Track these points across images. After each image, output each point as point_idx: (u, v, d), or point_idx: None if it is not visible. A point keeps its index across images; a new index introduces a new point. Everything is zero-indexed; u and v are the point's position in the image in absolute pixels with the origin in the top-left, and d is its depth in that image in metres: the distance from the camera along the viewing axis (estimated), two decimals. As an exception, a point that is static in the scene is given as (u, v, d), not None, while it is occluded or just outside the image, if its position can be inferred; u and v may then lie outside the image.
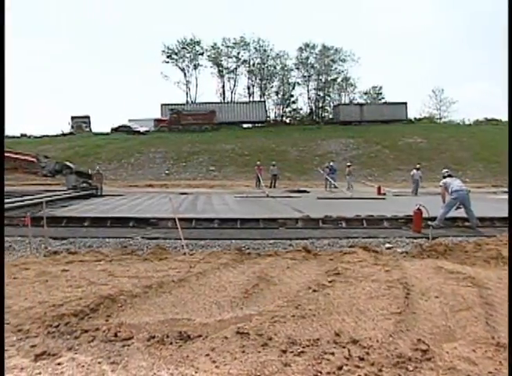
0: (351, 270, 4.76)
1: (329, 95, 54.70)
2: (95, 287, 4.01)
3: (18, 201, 10.77)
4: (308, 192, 18.95)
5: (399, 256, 5.75)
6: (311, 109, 54.51)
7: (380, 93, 57.26)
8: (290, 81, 53.00)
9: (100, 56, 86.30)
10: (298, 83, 53.25)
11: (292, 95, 53.55)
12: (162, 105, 43.83)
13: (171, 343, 2.81)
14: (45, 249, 6.12)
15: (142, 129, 39.43)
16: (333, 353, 2.62)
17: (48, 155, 17.81)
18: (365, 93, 57.06)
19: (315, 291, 3.96)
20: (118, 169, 28.10)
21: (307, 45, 51.96)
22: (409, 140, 33.52)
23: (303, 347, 2.72)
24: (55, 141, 35.92)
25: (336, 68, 52.96)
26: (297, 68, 52.61)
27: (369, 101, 53.50)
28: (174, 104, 43.86)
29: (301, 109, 55.01)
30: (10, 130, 42.74)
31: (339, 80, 54.31)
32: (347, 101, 53.32)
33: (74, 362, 2.55)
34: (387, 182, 24.49)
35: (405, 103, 43.82)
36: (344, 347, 2.70)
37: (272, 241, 6.79)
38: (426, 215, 7.88)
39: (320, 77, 52.76)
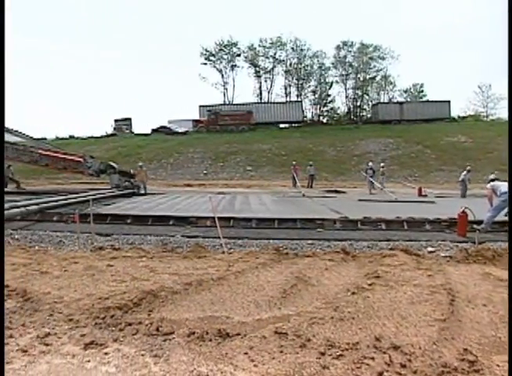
0: (391, 274, 4.63)
1: (367, 94, 53.45)
2: (137, 283, 4.16)
3: (67, 199, 11.38)
4: (345, 193, 18.60)
5: (443, 260, 5.51)
6: (348, 108, 53.57)
7: (422, 91, 55.28)
8: (327, 80, 52.39)
9: (141, 61, 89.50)
10: (337, 81, 52.55)
11: (329, 95, 52.91)
12: (200, 106, 44.70)
13: (210, 340, 2.86)
14: (91, 244, 6.44)
15: (180, 130, 40.39)
16: (373, 358, 2.56)
17: (93, 155, 18.72)
18: (406, 91, 55.31)
19: (354, 293, 3.90)
20: (158, 169, 28.98)
21: (344, 43, 51.07)
22: (453, 139, 32.00)
23: (342, 350, 2.68)
24: (99, 142, 37.63)
25: (374, 66, 51.71)
26: (335, 67, 51.87)
27: (409, 99, 51.71)
28: (212, 105, 44.59)
29: (338, 108, 54.30)
30: (60, 132, 45.46)
31: (378, 78, 53.01)
32: (386, 100, 51.94)
33: (120, 353, 2.68)
34: (428, 183, 23.55)
35: (449, 101, 41.91)
36: (384, 352, 2.64)
37: (309, 242, 6.74)
38: (472, 218, 7.51)
39: (358, 76, 51.70)
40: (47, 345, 2.77)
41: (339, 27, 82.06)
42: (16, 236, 7.16)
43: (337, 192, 18.92)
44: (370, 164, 20.76)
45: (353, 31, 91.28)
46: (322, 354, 2.63)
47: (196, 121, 42.59)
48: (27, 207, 8.81)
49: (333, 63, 51.73)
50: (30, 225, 8.45)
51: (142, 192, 16.91)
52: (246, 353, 2.66)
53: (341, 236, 7.36)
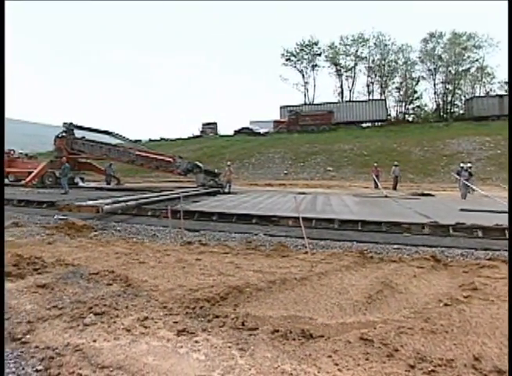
0: (491, 287, 4.18)
1: (459, 88, 48.74)
2: (224, 278, 4.36)
3: (159, 196, 12.36)
4: (433, 195, 17.26)
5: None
6: (437, 104, 49.56)
7: (528, 81, 48.65)
8: (413, 75, 49.19)
9: (226, 65, 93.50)
10: (423, 77, 49.01)
11: (416, 91, 49.62)
12: (281, 107, 45.21)
13: (293, 339, 2.88)
14: (181, 239, 6.92)
15: (262, 131, 41.32)
16: (471, 380, 2.35)
17: (181, 155, 20.06)
18: (507, 83, 49.20)
19: (447, 305, 3.61)
20: (240, 169, 29.96)
21: (432, 35, 47.35)
22: None
23: (434, 366, 2.49)
24: (186, 143, 40.19)
25: (468, 57, 46.78)
26: (422, 61, 48.38)
27: (512, 91, 45.92)
28: (293, 106, 44.79)
29: (425, 105, 50.66)
30: (152, 135, 49.75)
31: (472, 70, 47.90)
32: (482, 93, 46.75)
33: (208, 342, 2.82)
34: (533, 186, 20.63)
35: None
36: (485, 376, 2.40)
37: (395, 246, 6.42)
38: None
39: (449, 69, 47.37)
40: (146, 327, 3.05)
41: (426, 18, 76.11)
42: (118, 228, 8.02)
43: (423, 194, 17.66)
44: (463, 164, 18.90)
45: (443, 21, 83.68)
46: (412, 367, 2.48)
47: (276, 122, 43.19)
48: (127, 203, 9.80)
49: (419, 57, 48.37)
50: (128, 218, 9.41)
51: (226, 190, 17.64)
52: (330, 356, 2.62)
53: (430, 242, 6.88)
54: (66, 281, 4.15)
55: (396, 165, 21.29)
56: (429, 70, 48.47)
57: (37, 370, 2.36)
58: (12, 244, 6.16)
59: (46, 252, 5.53)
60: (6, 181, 24.79)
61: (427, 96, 52.74)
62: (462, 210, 10.92)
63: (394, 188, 20.68)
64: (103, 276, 4.36)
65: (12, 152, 26.27)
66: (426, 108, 50.54)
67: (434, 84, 49.06)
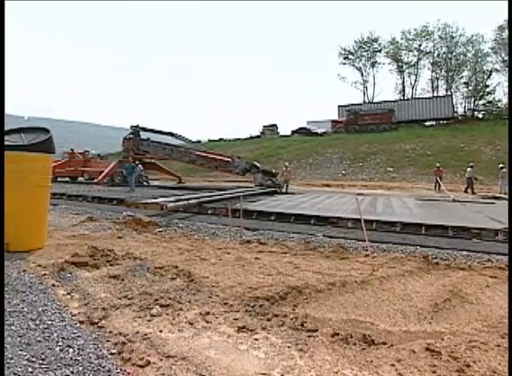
0: None
1: (542, 80, 44.03)
2: (283, 277, 4.37)
3: (218, 195, 12.72)
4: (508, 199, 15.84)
5: None
6: (512, 99, 45.13)
7: None
8: (484, 68, 45.23)
9: (285, 67, 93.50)
10: (496, 70, 44.88)
11: (487, 86, 45.53)
12: (339, 106, 44.37)
13: (354, 344, 2.81)
14: (240, 237, 7.06)
15: (319, 131, 40.88)
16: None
17: (239, 156, 20.49)
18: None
19: (527, 320, 3.30)
20: (297, 169, 29.85)
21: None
22: None
23: (514, 388, 2.30)
24: (244, 143, 40.95)
25: (554, 43, 42.09)
26: (495, 52, 44.28)
27: None
28: (351, 105, 43.75)
29: (498, 100, 46.09)
30: (212, 135, 51.55)
31: (560, 58, 42.98)
32: None
33: (268, 341, 2.85)
34: None
35: None
36: None
37: (464, 253, 6.00)
38: None
39: (529, 58, 42.90)
40: (207, 322, 3.15)
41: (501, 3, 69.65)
42: (180, 225, 8.39)
43: (496, 198, 16.27)
44: (501, 165, 17.20)
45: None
46: (487, 387, 2.31)
47: (334, 122, 42.49)
48: (189, 201, 10.23)
49: (492, 48, 44.38)
50: (190, 216, 9.81)
51: (284, 190, 17.69)
52: (393, 365, 2.52)
53: (505, 250, 6.31)
54: (135, 273, 4.42)
55: (471, 166, 19.79)
56: (504, 61, 44.34)
57: (111, 353, 2.56)
58: (88, 237, 6.73)
59: (117, 246, 5.95)
60: (81, 179, 27.13)
61: (501, 91, 47.95)
62: None
63: (472, 192, 19.20)
64: (168, 270, 4.58)
65: (86, 153, 28.74)
66: (499, 104, 46.26)
67: (509, 78, 44.84)
